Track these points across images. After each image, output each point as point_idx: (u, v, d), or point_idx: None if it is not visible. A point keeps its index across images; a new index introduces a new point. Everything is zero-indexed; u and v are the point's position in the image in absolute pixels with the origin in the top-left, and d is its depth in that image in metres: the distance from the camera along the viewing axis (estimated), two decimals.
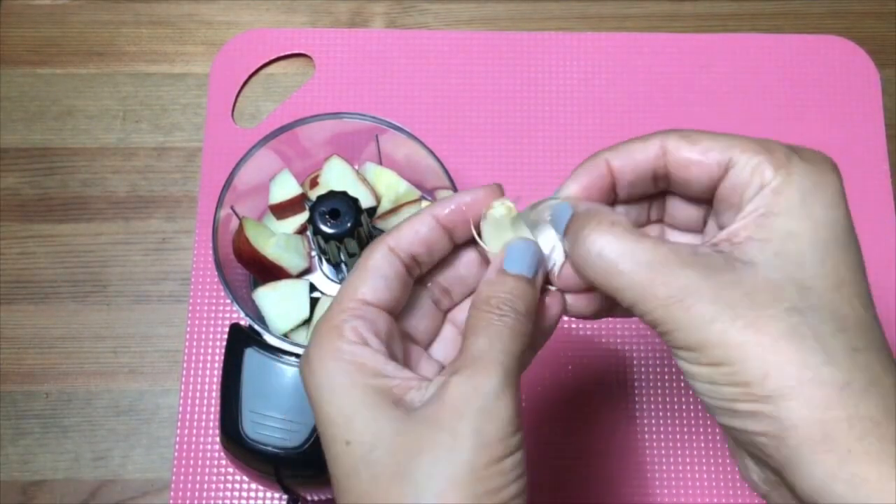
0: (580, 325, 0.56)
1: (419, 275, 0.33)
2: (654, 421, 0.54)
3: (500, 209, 0.32)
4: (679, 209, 0.33)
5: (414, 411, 0.28)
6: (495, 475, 0.27)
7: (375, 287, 0.31)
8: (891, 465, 0.25)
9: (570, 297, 0.33)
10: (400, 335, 0.32)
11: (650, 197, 0.33)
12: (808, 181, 0.28)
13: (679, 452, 0.54)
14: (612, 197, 0.33)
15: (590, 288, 0.32)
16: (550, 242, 0.32)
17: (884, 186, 0.59)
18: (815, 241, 0.27)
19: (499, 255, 0.32)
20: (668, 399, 0.55)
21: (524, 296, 0.31)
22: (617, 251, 0.29)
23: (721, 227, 0.31)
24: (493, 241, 0.32)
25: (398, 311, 0.32)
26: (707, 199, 0.31)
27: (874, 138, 0.61)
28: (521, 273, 0.31)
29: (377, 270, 0.31)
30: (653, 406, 0.55)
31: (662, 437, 0.54)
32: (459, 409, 0.28)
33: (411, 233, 0.32)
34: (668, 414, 0.54)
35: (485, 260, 0.33)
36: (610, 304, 0.33)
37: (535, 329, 0.32)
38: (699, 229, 0.34)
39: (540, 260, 0.32)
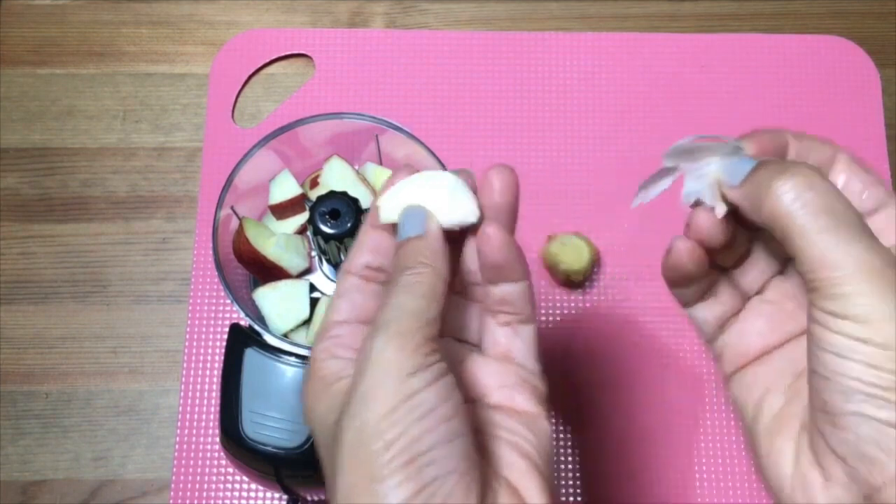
0: (583, 323, 0.56)
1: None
2: (666, 417, 0.54)
3: (381, 203, 0.34)
4: (769, 249, 0.34)
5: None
6: (387, 426, 0.28)
7: (338, 307, 0.33)
8: None
9: (682, 243, 0.32)
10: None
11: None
12: None
13: (685, 450, 0.54)
14: None
15: (716, 244, 0.32)
16: (701, 181, 0.32)
17: None
18: None
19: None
20: (685, 396, 0.55)
21: (412, 251, 0.32)
22: (831, 196, 0.28)
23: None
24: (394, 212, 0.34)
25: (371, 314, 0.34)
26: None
27: (874, 138, 0.61)
28: (409, 235, 0.32)
29: (337, 293, 0.34)
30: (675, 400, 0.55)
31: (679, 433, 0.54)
32: (357, 364, 0.30)
33: (356, 249, 0.34)
34: (677, 412, 0.54)
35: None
36: (699, 276, 0.33)
37: (492, 267, 0.33)
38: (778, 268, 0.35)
39: (420, 215, 0.33)
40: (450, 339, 0.35)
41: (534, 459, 0.31)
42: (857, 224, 0.28)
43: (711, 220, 0.31)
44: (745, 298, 0.34)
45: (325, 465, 0.30)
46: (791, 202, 0.28)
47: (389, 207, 0.33)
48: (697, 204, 0.32)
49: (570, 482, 0.53)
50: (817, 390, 0.28)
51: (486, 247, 0.32)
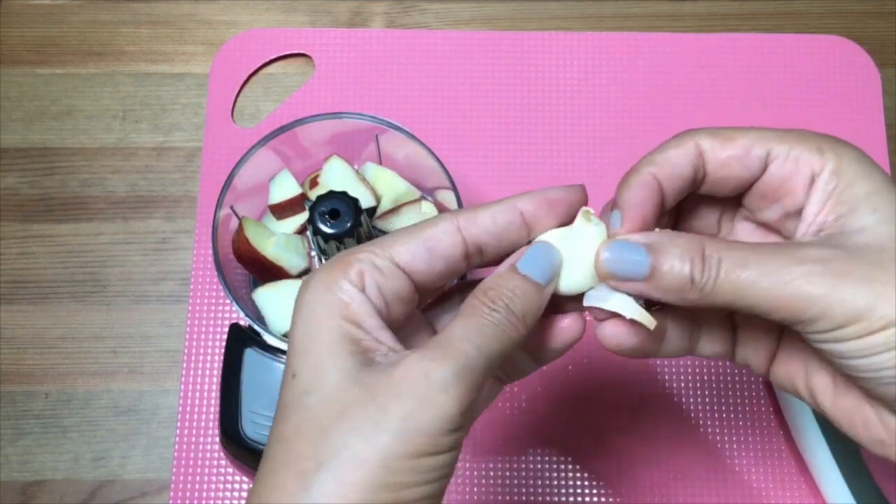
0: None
1: (477, 264, 0.31)
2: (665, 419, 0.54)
3: (591, 219, 0.30)
4: (698, 213, 0.33)
5: (363, 373, 0.27)
6: (407, 470, 0.25)
7: (414, 253, 0.29)
8: None
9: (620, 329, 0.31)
10: (418, 316, 0.31)
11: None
12: (855, 155, 0.29)
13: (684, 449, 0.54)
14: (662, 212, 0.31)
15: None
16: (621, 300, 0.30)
17: None
18: (894, 196, 0.28)
19: (517, 252, 0.30)
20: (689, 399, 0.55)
21: (526, 299, 0.29)
22: (733, 252, 0.28)
23: (763, 223, 0.31)
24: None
25: (432, 287, 0.30)
26: (735, 196, 0.31)
27: (874, 138, 0.61)
28: (530, 276, 0.29)
29: (427, 240, 0.29)
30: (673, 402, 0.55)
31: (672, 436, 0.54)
32: (399, 389, 0.26)
33: (488, 218, 0.30)
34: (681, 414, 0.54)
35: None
36: (655, 340, 0.31)
37: (541, 346, 0.31)
38: (715, 232, 0.34)
39: (556, 270, 0.30)
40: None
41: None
42: (775, 251, 0.28)
43: (618, 332, 0.30)
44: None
45: (300, 386, 0.28)
46: (732, 288, 0.27)
47: (581, 231, 0.30)
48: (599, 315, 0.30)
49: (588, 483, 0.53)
50: (881, 397, 0.28)
51: (566, 336, 0.31)
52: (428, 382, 0.26)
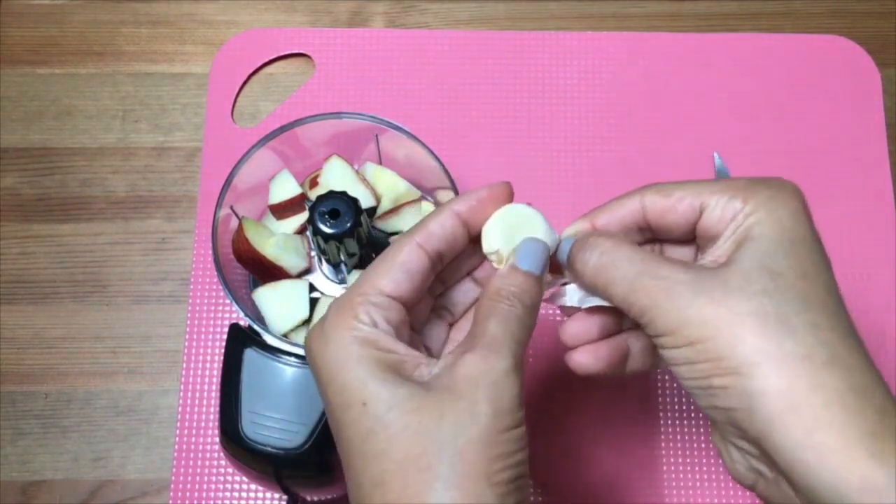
0: None
1: (439, 270, 0.35)
2: (667, 419, 0.54)
3: (521, 206, 0.35)
4: (673, 251, 0.37)
5: (426, 383, 0.31)
6: (506, 441, 0.30)
7: (397, 280, 0.33)
8: (855, 435, 0.27)
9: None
10: (410, 330, 0.35)
11: (650, 241, 0.37)
12: (772, 198, 0.32)
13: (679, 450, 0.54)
14: None
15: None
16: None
17: (884, 186, 0.59)
18: (782, 240, 0.31)
19: (512, 253, 0.35)
20: (679, 399, 0.55)
21: (531, 291, 0.33)
22: (614, 252, 0.33)
23: (712, 261, 0.34)
24: (501, 239, 0.35)
25: (414, 303, 0.34)
26: (691, 238, 0.35)
27: (874, 138, 0.61)
28: (531, 270, 0.34)
29: (404, 265, 0.33)
30: (668, 406, 0.55)
31: (673, 435, 0.54)
32: (476, 382, 0.30)
33: (438, 228, 0.34)
34: (679, 412, 0.54)
35: (482, 267, 0.38)
36: (618, 356, 0.36)
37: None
38: None
39: (546, 260, 0.35)
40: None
41: None
42: (644, 259, 0.32)
43: (585, 358, 0.36)
44: None
45: (335, 413, 0.31)
46: (593, 269, 0.33)
47: (494, 235, 0.35)
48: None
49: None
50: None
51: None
52: (495, 372, 0.31)
